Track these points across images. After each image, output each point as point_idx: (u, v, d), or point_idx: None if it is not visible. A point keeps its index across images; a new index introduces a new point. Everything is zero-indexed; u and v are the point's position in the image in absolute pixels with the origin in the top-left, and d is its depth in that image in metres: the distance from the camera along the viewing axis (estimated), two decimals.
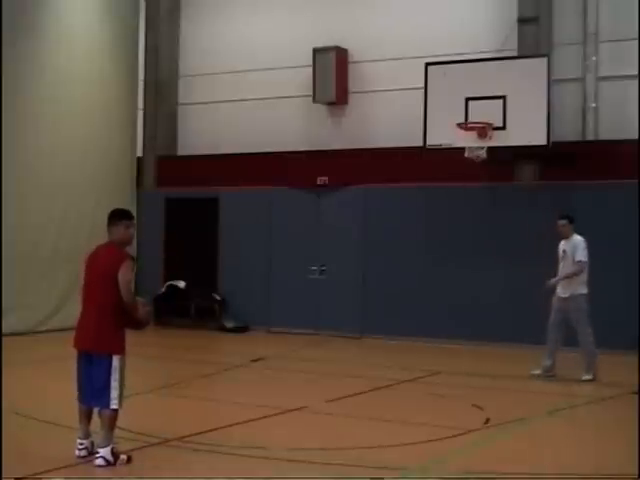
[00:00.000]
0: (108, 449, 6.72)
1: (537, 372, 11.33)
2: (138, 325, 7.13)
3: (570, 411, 9.44)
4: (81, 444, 6.89)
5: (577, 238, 11.31)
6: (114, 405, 6.81)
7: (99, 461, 6.70)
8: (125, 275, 6.85)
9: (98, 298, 6.89)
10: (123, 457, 6.80)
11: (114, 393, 6.80)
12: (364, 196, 15.66)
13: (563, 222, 11.41)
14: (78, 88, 15.96)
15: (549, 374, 11.29)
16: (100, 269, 6.92)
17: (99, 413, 6.90)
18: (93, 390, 6.85)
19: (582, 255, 11.18)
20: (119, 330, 6.93)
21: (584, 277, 11.21)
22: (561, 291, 11.29)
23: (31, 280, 15.06)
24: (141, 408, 8.70)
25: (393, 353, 14.11)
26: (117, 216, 7.14)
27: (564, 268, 11.31)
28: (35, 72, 15.19)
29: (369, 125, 16.13)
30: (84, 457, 6.84)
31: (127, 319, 6.97)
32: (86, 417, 6.99)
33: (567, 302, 11.22)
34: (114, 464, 6.70)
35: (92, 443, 6.93)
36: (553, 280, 11.29)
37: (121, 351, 6.92)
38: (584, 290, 11.21)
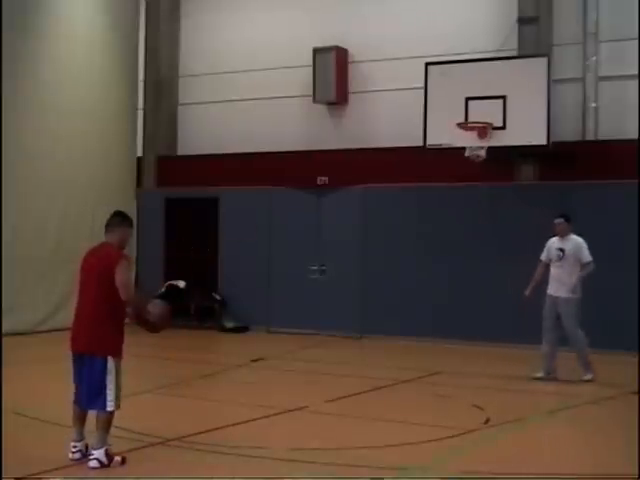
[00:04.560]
0: (102, 451, 6.69)
1: (539, 375, 11.24)
2: (151, 327, 7.08)
3: (570, 411, 9.44)
4: (75, 447, 6.84)
5: (578, 238, 11.25)
6: (110, 407, 6.76)
7: (93, 463, 6.66)
8: (121, 276, 6.77)
9: (93, 299, 6.82)
10: (117, 459, 6.75)
11: (110, 395, 6.74)
12: (364, 196, 15.66)
13: (559, 220, 11.35)
14: (78, 88, 15.96)
15: (551, 376, 11.24)
16: (95, 270, 6.86)
17: (96, 415, 6.84)
18: (89, 393, 6.79)
19: (588, 255, 11.11)
20: (115, 332, 6.87)
21: (576, 280, 11.13)
22: (552, 290, 11.24)
23: (31, 280, 15.07)
24: (141, 408, 8.69)
25: (393, 353, 14.11)
26: (121, 218, 7.14)
27: (563, 268, 11.21)
28: (35, 72, 15.19)
29: (369, 125, 16.13)
30: (78, 460, 6.81)
31: (138, 321, 6.97)
32: (80, 419, 6.93)
33: (558, 302, 11.17)
34: (108, 465, 6.66)
35: (86, 445, 6.88)
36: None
37: (117, 354, 6.85)
38: (575, 294, 11.11)
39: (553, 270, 11.29)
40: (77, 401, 6.96)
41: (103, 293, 6.79)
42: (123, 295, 6.77)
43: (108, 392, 6.74)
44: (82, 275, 7.00)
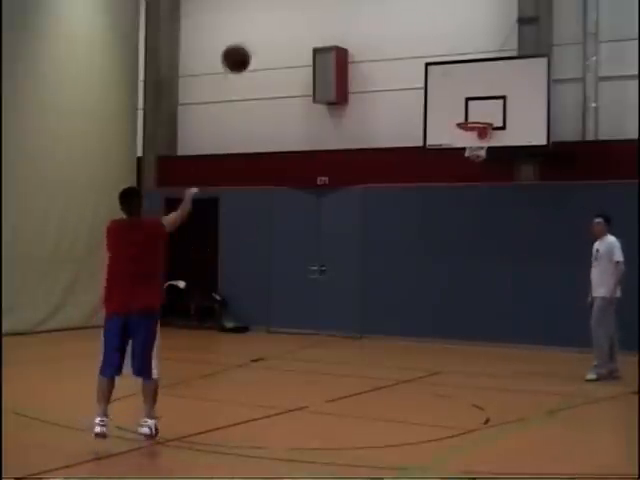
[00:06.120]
0: (155, 421, 7.09)
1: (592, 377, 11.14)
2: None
3: (570, 411, 9.43)
4: (102, 421, 6.99)
5: (612, 238, 11.22)
6: (155, 375, 7.15)
7: (145, 430, 7.07)
8: (172, 219, 7.65)
9: (149, 264, 7.33)
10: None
11: (155, 362, 7.13)
12: (364, 196, 15.66)
13: (598, 220, 11.30)
14: (78, 88, 15.96)
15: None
16: (154, 234, 7.46)
17: (143, 386, 7.18)
18: (142, 357, 7.07)
19: (619, 255, 11.08)
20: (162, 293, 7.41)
21: (614, 279, 11.09)
22: (594, 290, 11.24)
23: (31, 280, 15.06)
24: (141, 408, 8.68)
25: (393, 353, 14.11)
26: (138, 193, 7.65)
27: (597, 268, 11.19)
28: (35, 72, 15.19)
29: (369, 125, 16.13)
30: (102, 436, 6.96)
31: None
32: (106, 396, 7.12)
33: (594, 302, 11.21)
34: (155, 436, 7.07)
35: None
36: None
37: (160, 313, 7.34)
38: (608, 295, 11.10)
39: (592, 271, 11.31)
40: (107, 372, 7.11)
41: (159, 257, 7.47)
42: (184, 215, 7.70)
43: (154, 359, 7.14)
44: (130, 244, 7.32)
